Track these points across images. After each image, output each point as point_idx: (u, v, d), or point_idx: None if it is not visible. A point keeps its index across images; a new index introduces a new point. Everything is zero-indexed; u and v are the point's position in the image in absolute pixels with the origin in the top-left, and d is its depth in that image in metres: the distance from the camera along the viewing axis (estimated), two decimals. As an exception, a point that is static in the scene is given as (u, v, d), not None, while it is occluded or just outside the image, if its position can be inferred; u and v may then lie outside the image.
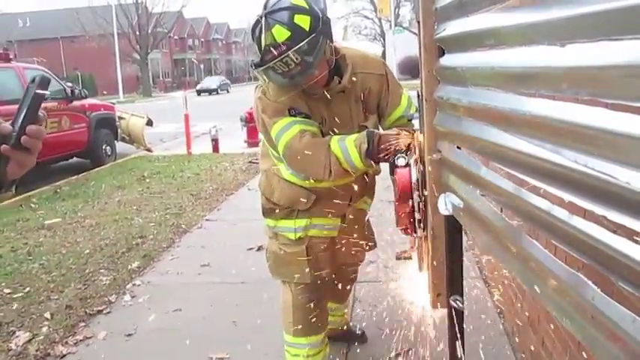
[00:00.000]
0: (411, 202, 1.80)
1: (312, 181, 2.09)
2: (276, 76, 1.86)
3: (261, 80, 1.98)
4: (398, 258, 2.06)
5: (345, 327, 2.79)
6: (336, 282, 2.41)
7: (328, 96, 2.03)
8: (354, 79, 2.05)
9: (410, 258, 2.00)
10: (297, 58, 1.77)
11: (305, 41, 1.77)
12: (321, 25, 1.82)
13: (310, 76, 1.86)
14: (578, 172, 0.71)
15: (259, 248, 4.07)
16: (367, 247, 2.43)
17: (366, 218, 2.44)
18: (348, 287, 2.67)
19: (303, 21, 1.79)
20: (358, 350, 2.71)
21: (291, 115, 1.97)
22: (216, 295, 3.53)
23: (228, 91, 44.61)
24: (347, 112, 2.08)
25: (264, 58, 1.81)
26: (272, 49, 1.78)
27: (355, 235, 2.31)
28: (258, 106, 2.04)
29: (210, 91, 43.14)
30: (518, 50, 0.87)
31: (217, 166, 8.30)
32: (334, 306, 2.64)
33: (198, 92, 42.23)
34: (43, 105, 0.98)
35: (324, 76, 1.95)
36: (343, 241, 2.29)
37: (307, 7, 1.83)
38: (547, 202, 0.85)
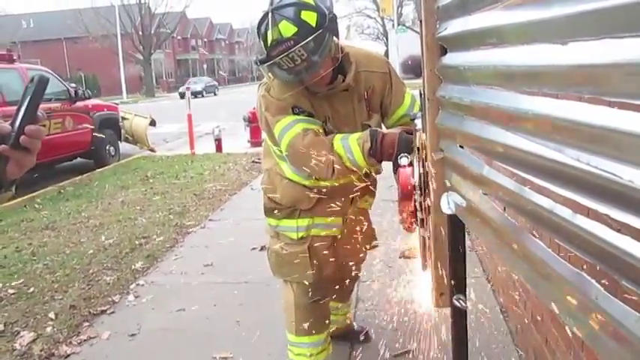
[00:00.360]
0: (413, 201, 1.80)
1: (314, 180, 2.09)
2: (282, 73, 1.85)
3: (266, 77, 1.98)
4: (401, 257, 2.05)
5: (348, 326, 2.79)
6: (338, 281, 2.42)
7: (331, 94, 2.03)
8: (357, 77, 2.05)
9: (413, 257, 2.00)
10: (303, 54, 1.77)
11: (311, 37, 1.76)
12: (328, 22, 1.82)
13: (315, 72, 1.85)
14: (581, 170, 0.70)
15: (262, 248, 4.06)
16: (369, 246, 2.43)
17: (368, 217, 2.44)
18: (351, 286, 2.67)
19: (310, 17, 1.79)
20: (362, 349, 2.71)
21: (294, 114, 1.97)
22: (220, 295, 3.54)
23: (215, 94, 41.14)
24: (350, 111, 2.08)
25: (269, 53, 1.81)
26: (278, 44, 1.77)
27: (357, 234, 2.31)
28: (262, 104, 2.04)
29: (194, 94, 38.18)
30: (521, 49, 0.86)
31: (220, 166, 8.32)
32: (337, 305, 2.64)
33: (181, 95, 37.63)
34: (46, 106, 0.98)
35: (328, 73, 1.94)
36: (345, 240, 2.29)
37: (314, 3, 1.83)
38: (550, 201, 0.85)
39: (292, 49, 1.76)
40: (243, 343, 2.85)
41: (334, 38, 1.89)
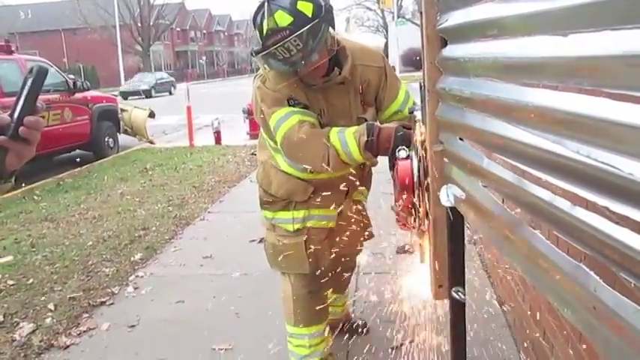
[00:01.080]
0: (411, 195, 1.80)
1: (309, 172, 2.09)
2: (277, 63, 1.85)
3: (262, 68, 1.97)
4: (399, 252, 2.06)
5: (346, 317, 2.80)
6: (334, 272, 2.42)
7: (327, 87, 2.02)
8: (353, 71, 2.04)
9: (411, 252, 2.00)
10: (298, 44, 1.76)
11: (307, 27, 1.75)
12: (324, 13, 1.81)
13: (310, 63, 1.85)
14: (581, 162, 0.70)
15: (261, 240, 4.05)
16: (365, 237, 2.43)
17: (364, 208, 2.44)
18: (347, 277, 2.68)
19: (306, 7, 1.78)
20: (360, 341, 2.72)
21: (290, 105, 1.96)
22: (219, 287, 3.55)
23: (171, 93, 31.38)
24: (346, 104, 2.07)
25: (265, 43, 1.80)
26: (274, 33, 1.77)
27: (353, 226, 2.31)
28: (257, 95, 2.04)
29: (142, 94, 29.07)
30: (521, 40, 0.86)
31: (219, 158, 8.31)
32: (334, 296, 2.65)
33: (125, 95, 26.70)
34: (45, 97, 0.97)
35: (324, 64, 1.93)
36: (341, 232, 2.30)
37: None
38: (549, 193, 0.85)
39: (287, 39, 1.75)
40: (242, 335, 2.86)
41: (330, 29, 1.88)
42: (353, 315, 2.91)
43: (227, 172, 7.30)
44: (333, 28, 1.91)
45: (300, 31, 1.75)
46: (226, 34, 71.75)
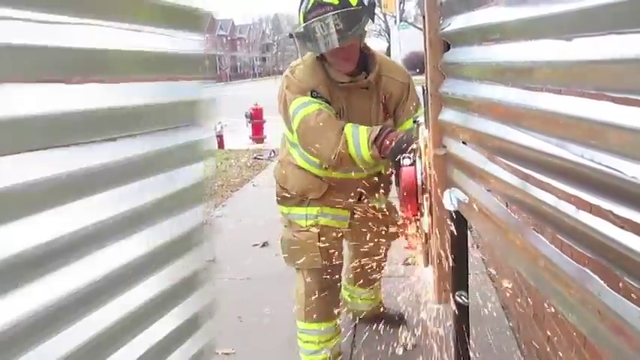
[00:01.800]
0: (416, 200, 1.80)
1: (324, 169, 2.16)
2: (313, 44, 1.94)
3: (298, 49, 2.06)
4: (405, 264, 2.07)
5: (381, 311, 2.82)
6: (360, 268, 2.48)
7: (352, 87, 2.11)
8: (379, 80, 2.14)
9: (415, 263, 2.01)
10: (337, 23, 1.87)
11: (350, 9, 1.89)
12: (368, 5, 1.95)
13: (345, 43, 1.92)
14: (585, 166, 0.70)
15: (264, 244, 4.09)
16: (391, 235, 2.40)
17: (387, 209, 2.43)
18: (373, 273, 2.65)
19: None
20: (362, 344, 2.72)
21: (312, 97, 2.05)
22: (221, 291, 3.54)
23: None
24: (366, 108, 2.15)
25: (307, 17, 1.92)
26: (319, 6, 1.90)
27: (369, 229, 2.34)
28: (284, 82, 2.14)
29: None
30: (524, 45, 0.86)
31: (222, 163, 8.31)
32: (362, 290, 2.72)
33: None
34: None
35: (354, 56, 2.04)
36: (357, 233, 2.36)
37: None
38: (553, 197, 0.85)
39: (330, 13, 1.86)
40: (244, 339, 2.85)
41: (370, 21, 1.98)
42: (387, 307, 2.88)
43: (230, 176, 7.30)
44: (373, 20, 2.03)
45: (343, 9, 1.87)
46: (229, 38, 71.90)
